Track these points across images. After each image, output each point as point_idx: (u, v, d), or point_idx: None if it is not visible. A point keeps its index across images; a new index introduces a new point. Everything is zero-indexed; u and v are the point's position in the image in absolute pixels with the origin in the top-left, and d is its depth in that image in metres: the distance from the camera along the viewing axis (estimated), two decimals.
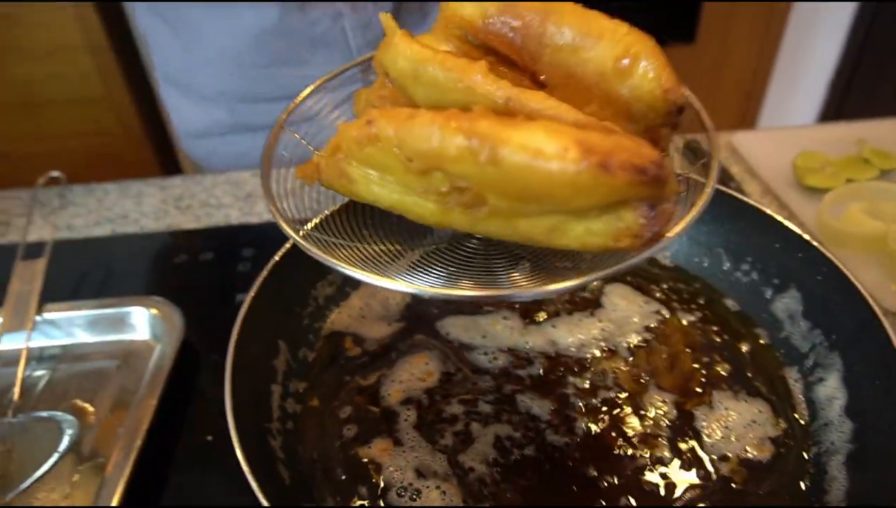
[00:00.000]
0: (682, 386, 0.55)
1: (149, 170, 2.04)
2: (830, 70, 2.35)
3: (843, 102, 2.35)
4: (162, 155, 2.07)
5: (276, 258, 0.56)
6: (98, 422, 0.58)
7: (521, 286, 0.42)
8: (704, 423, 0.52)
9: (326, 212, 0.51)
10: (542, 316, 0.61)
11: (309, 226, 0.48)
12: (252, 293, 0.52)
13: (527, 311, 0.62)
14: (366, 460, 0.51)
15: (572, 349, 0.58)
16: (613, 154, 0.30)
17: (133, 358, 0.65)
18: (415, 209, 0.40)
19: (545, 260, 0.46)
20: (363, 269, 0.39)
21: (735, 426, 0.51)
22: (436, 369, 0.58)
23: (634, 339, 0.59)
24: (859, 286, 0.51)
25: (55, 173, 0.82)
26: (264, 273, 0.55)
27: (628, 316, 0.61)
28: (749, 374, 0.56)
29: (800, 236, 0.57)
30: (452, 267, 0.47)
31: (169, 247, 0.82)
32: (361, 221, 0.51)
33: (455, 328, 0.61)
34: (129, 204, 0.90)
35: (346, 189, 0.42)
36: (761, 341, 0.59)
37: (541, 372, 0.57)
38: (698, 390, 0.54)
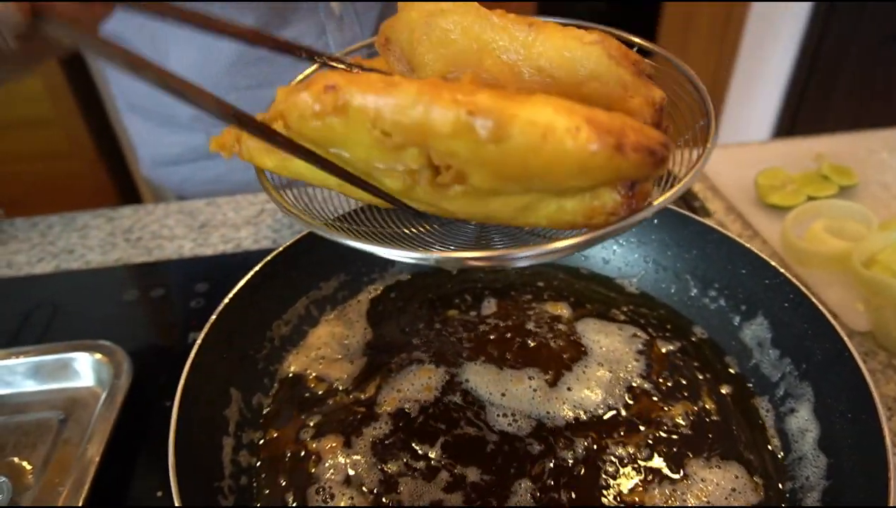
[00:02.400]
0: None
1: (104, 193, 1.98)
2: (784, 83, 2.40)
3: (797, 115, 2.40)
4: (117, 177, 2.00)
5: (227, 300, 0.53)
6: (36, 483, 0.54)
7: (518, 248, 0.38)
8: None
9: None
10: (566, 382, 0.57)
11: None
12: (199, 340, 0.49)
13: (555, 379, 0.57)
14: (311, 449, 0.51)
15: (601, 408, 0.54)
16: (626, 134, 0.29)
17: (77, 408, 0.61)
18: (365, 172, 0.36)
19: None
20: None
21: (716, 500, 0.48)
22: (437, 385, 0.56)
23: (637, 378, 0.57)
24: (827, 314, 0.50)
25: None
26: (213, 317, 0.52)
27: (615, 348, 0.59)
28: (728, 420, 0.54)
29: (765, 261, 0.56)
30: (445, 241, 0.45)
31: (117, 283, 0.78)
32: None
33: (477, 376, 0.57)
34: (74, 237, 0.85)
35: (275, 164, 0.38)
36: (731, 370, 0.57)
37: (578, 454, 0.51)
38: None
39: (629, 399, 0.55)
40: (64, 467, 0.55)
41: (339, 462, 0.50)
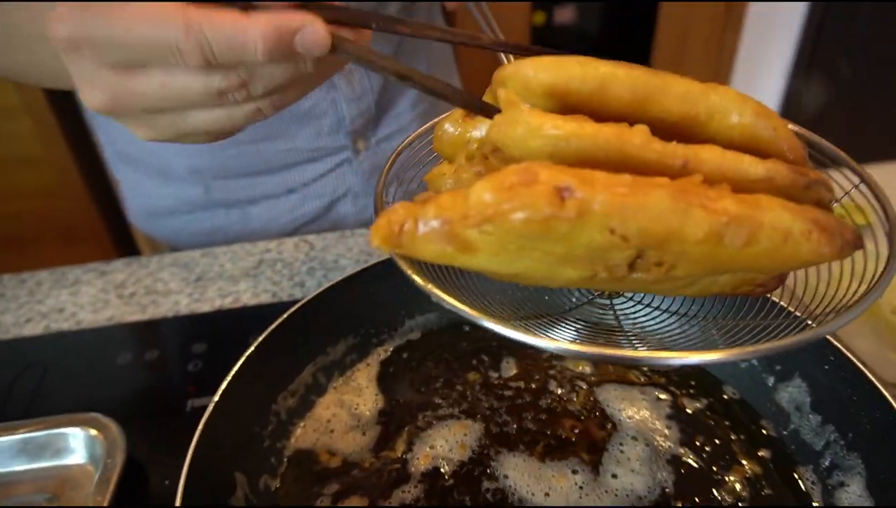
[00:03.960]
0: None
1: (95, 234, 1.94)
2: (776, 107, 2.41)
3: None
4: (109, 218, 1.97)
5: (229, 378, 0.49)
6: None
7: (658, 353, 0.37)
8: None
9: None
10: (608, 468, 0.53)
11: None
12: (201, 426, 0.45)
13: (595, 465, 0.53)
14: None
15: (653, 493, 0.50)
16: (844, 235, 0.32)
17: (67, 489, 0.57)
18: (547, 277, 0.35)
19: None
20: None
21: None
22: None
23: (676, 448, 0.54)
24: (873, 378, 0.47)
25: None
26: (216, 397, 0.48)
27: (644, 416, 0.56)
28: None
29: (798, 317, 0.53)
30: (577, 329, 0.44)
31: (110, 344, 0.74)
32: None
33: (514, 471, 0.52)
34: (64, 295, 0.82)
35: (444, 257, 0.34)
36: (767, 432, 0.54)
37: None
38: None
39: (675, 475, 0.51)
40: None
41: None
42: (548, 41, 2.38)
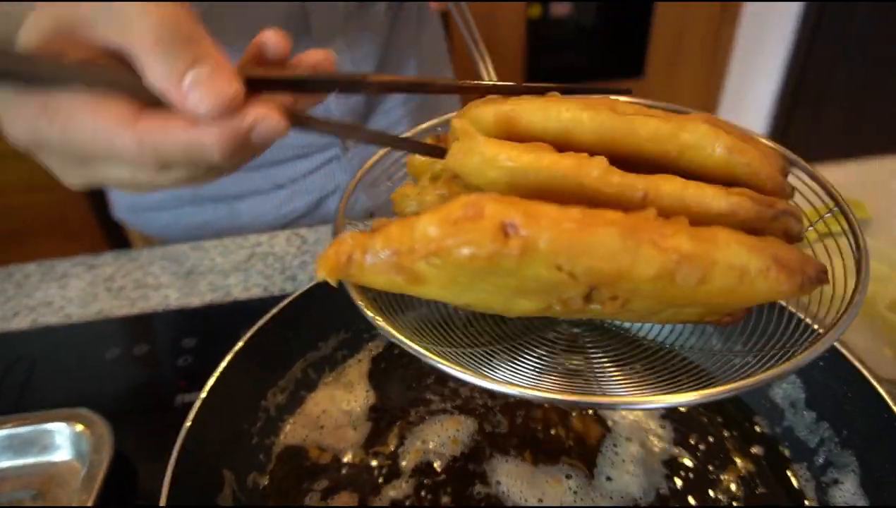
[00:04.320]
0: None
1: (85, 226, 1.93)
2: (771, 103, 2.40)
3: (786, 134, 2.40)
4: (99, 211, 1.95)
5: (217, 373, 0.48)
6: None
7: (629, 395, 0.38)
8: None
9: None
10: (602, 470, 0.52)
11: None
12: (188, 423, 0.45)
13: (590, 468, 0.52)
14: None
15: (648, 494, 0.50)
16: (805, 271, 0.31)
17: (53, 486, 0.56)
18: (502, 307, 0.34)
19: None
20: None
21: None
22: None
23: (670, 448, 0.53)
24: (870, 378, 0.46)
25: None
26: (203, 394, 0.47)
27: (637, 416, 0.55)
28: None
29: (792, 313, 0.52)
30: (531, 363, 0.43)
31: (98, 339, 0.73)
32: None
33: (507, 477, 0.51)
34: (53, 288, 0.80)
35: (394, 286, 0.33)
36: (760, 430, 0.54)
37: None
38: None
39: (670, 475, 0.51)
40: None
41: None
42: (544, 34, 2.36)
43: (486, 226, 0.28)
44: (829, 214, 0.42)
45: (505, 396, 0.57)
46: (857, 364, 0.47)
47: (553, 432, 0.54)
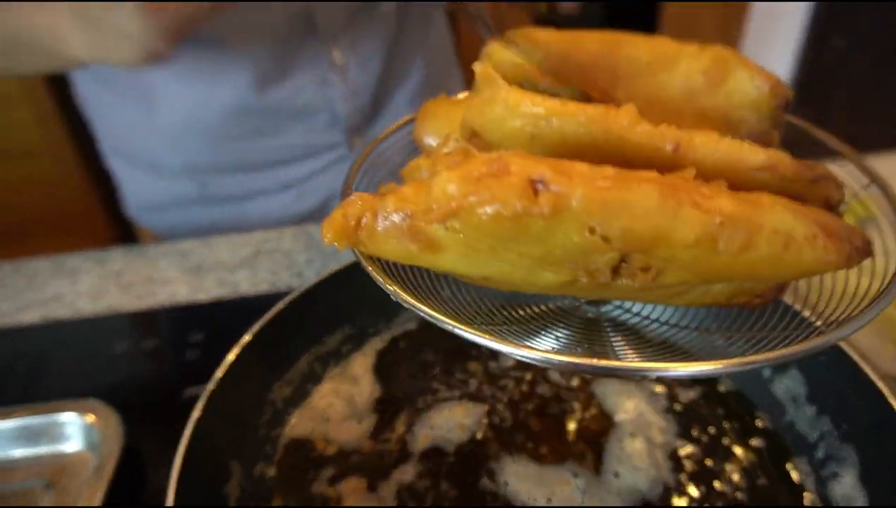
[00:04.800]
0: None
1: (94, 223, 1.94)
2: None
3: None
4: (108, 208, 1.97)
5: (224, 366, 0.49)
6: None
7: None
8: None
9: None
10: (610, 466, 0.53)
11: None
12: (196, 414, 0.45)
13: (597, 464, 0.52)
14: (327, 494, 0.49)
15: (655, 488, 0.50)
16: (853, 241, 0.29)
17: (64, 475, 0.57)
18: (523, 281, 0.31)
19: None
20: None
21: None
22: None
23: (674, 441, 0.53)
24: (870, 373, 0.47)
25: None
26: (211, 385, 0.48)
27: (641, 410, 0.56)
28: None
29: (796, 311, 0.53)
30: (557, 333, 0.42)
31: (108, 333, 0.74)
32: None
33: (515, 477, 0.51)
34: (63, 283, 0.82)
35: (406, 255, 0.30)
36: (762, 425, 0.54)
37: None
38: None
39: (675, 469, 0.51)
40: None
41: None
42: None
43: (514, 182, 0.25)
44: (864, 189, 0.40)
45: (514, 385, 0.58)
46: (857, 359, 0.47)
47: (559, 433, 0.55)
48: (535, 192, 0.25)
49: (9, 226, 1.90)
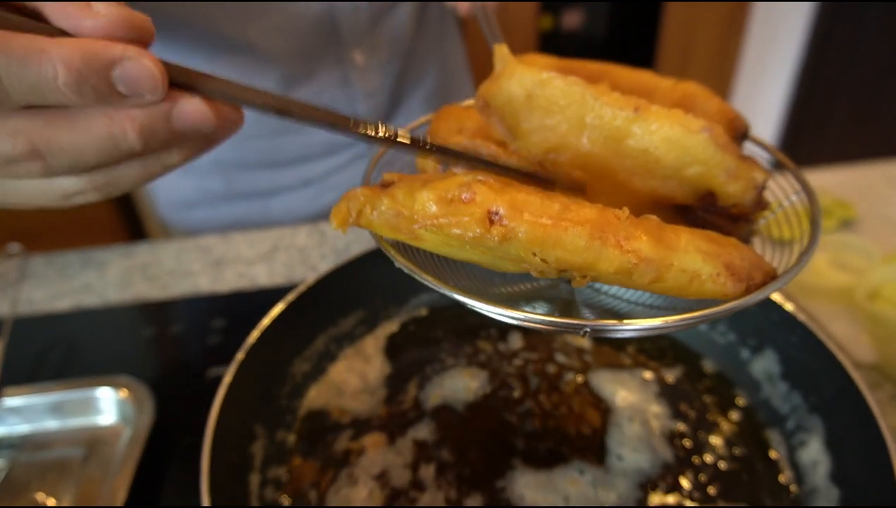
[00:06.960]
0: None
1: (111, 229, 2.00)
2: (780, 113, 2.44)
3: (793, 147, 2.44)
4: (125, 213, 2.02)
5: (252, 339, 0.54)
6: None
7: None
8: None
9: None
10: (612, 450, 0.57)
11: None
12: (228, 379, 0.51)
13: (599, 453, 0.56)
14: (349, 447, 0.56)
15: (657, 466, 0.55)
16: (752, 277, 0.35)
17: (100, 445, 0.62)
18: (491, 265, 0.39)
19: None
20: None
21: None
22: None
23: (667, 422, 0.58)
24: (834, 349, 0.51)
25: (14, 248, 0.79)
26: (240, 355, 0.53)
27: (635, 397, 0.61)
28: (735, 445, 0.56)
29: (772, 299, 0.58)
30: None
31: (135, 319, 0.79)
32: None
33: (528, 489, 0.54)
34: (92, 274, 0.87)
35: (397, 237, 0.37)
36: (740, 401, 0.59)
37: None
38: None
39: (671, 447, 0.56)
40: (88, 503, 0.56)
41: (377, 457, 0.55)
42: (555, 46, 2.43)
43: (475, 211, 0.32)
44: (795, 196, 0.45)
45: (521, 364, 0.63)
46: (823, 339, 0.52)
47: (562, 426, 0.59)
48: (491, 222, 0.32)
49: (21, 228, 1.95)
